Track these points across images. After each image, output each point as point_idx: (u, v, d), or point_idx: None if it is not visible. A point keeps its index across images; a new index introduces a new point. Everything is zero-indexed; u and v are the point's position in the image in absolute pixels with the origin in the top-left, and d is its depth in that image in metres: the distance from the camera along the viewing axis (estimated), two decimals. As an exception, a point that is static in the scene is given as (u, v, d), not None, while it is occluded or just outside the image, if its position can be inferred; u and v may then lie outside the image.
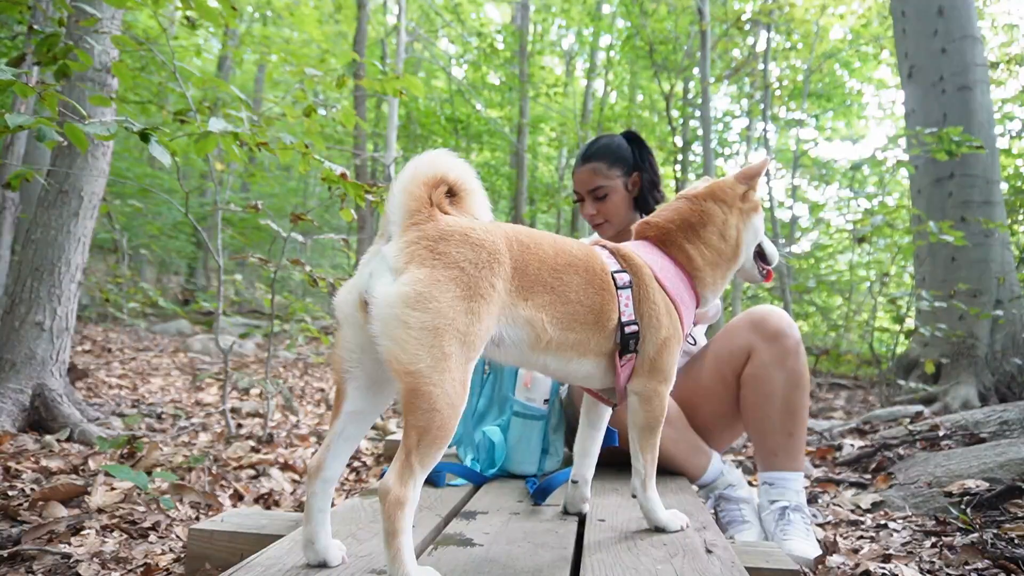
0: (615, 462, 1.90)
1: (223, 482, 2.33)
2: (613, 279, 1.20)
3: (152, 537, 1.78)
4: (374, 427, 3.64)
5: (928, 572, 1.73)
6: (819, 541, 1.83)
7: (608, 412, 1.41)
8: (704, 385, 1.90)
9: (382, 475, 1.69)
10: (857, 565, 1.74)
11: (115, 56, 2.90)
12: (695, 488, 1.91)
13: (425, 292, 0.94)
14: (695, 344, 2.04)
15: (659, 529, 1.27)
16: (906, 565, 1.78)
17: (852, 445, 3.33)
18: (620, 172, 2.14)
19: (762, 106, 10.46)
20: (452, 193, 1.08)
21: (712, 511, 1.98)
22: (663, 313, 1.24)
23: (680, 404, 1.92)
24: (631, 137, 2.22)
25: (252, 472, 2.52)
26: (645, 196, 2.16)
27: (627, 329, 1.19)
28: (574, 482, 1.42)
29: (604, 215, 2.15)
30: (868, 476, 2.82)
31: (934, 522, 2.13)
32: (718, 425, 1.95)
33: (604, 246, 1.29)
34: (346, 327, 1.03)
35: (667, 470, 1.86)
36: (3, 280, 4.67)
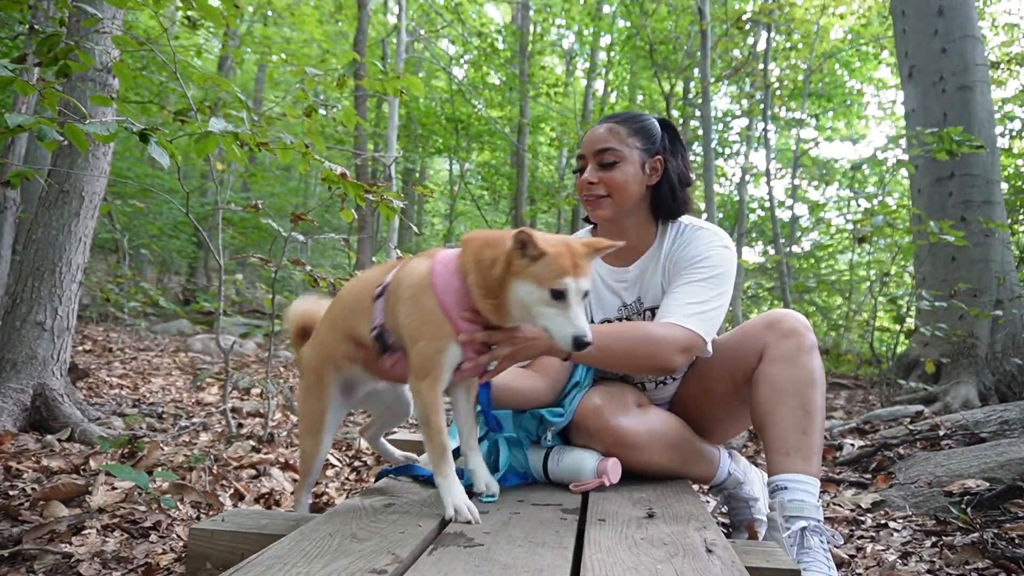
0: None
1: (224, 482, 2.33)
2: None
3: (153, 537, 1.79)
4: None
5: (928, 572, 1.73)
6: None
7: (475, 386, 1.53)
8: (712, 385, 1.84)
9: (379, 476, 1.70)
10: (859, 565, 1.74)
11: (116, 56, 2.90)
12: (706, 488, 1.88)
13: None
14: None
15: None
16: (906, 565, 1.78)
17: (852, 445, 3.33)
18: (640, 145, 1.76)
19: (762, 106, 10.46)
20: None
21: (724, 509, 1.98)
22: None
23: (686, 403, 1.89)
24: (665, 123, 1.85)
25: (253, 472, 2.53)
26: (665, 190, 1.79)
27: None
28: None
29: (607, 186, 1.75)
30: (868, 476, 2.82)
31: (934, 522, 2.13)
32: (722, 424, 1.91)
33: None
34: None
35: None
36: (4, 280, 4.67)
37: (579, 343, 1.25)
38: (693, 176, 1.90)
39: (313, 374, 1.59)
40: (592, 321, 1.87)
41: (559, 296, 1.26)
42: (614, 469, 1.62)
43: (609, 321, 1.85)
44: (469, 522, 1.28)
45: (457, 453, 1.54)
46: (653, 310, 1.80)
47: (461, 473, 1.69)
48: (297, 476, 2.55)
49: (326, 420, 1.58)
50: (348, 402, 1.66)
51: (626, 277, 1.83)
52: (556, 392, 1.80)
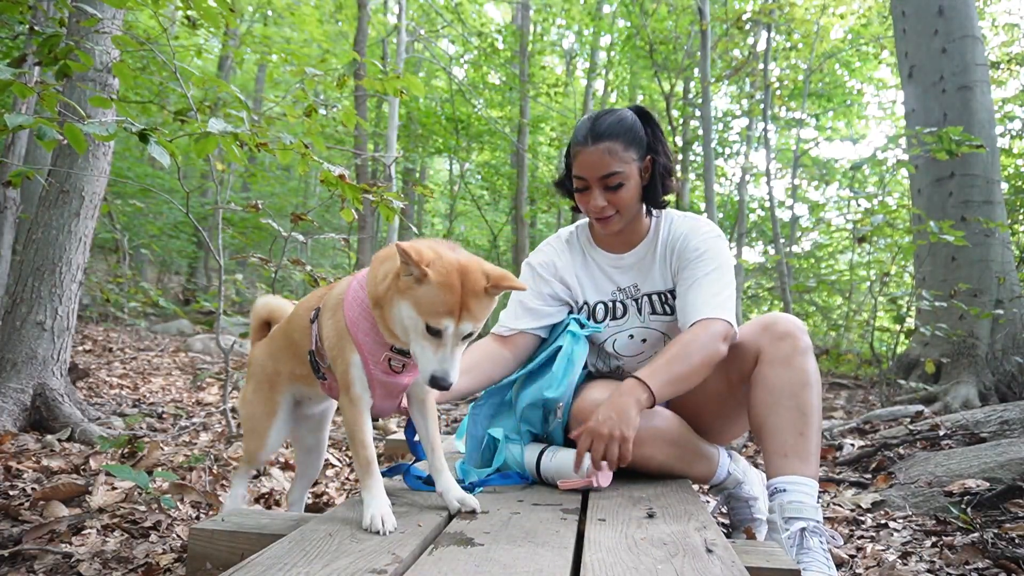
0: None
1: (224, 482, 2.33)
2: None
3: (153, 537, 1.79)
4: (375, 427, 3.64)
5: (928, 572, 1.73)
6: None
7: (431, 402, 1.49)
8: (707, 387, 1.85)
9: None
10: (859, 565, 1.74)
11: (116, 56, 2.90)
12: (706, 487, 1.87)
13: None
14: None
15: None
16: (906, 565, 1.78)
17: (852, 445, 3.33)
18: (636, 155, 1.79)
19: (762, 106, 10.46)
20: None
21: (724, 509, 1.98)
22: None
23: (682, 404, 1.90)
24: (641, 113, 1.86)
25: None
26: (655, 184, 1.86)
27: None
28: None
29: (616, 206, 1.81)
30: (868, 476, 2.82)
31: (934, 522, 2.13)
32: (719, 426, 1.93)
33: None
34: None
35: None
36: (4, 280, 4.67)
37: (436, 383, 1.21)
38: (675, 164, 2.00)
39: (263, 372, 1.62)
40: (587, 303, 1.94)
41: (435, 333, 1.20)
42: (604, 473, 1.62)
43: (604, 303, 1.93)
44: (378, 532, 1.21)
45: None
46: (650, 295, 1.91)
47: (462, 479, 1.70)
48: (294, 475, 2.55)
49: (274, 422, 1.61)
50: (295, 413, 1.69)
51: (621, 263, 1.93)
52: (519, 360, 1.90)
